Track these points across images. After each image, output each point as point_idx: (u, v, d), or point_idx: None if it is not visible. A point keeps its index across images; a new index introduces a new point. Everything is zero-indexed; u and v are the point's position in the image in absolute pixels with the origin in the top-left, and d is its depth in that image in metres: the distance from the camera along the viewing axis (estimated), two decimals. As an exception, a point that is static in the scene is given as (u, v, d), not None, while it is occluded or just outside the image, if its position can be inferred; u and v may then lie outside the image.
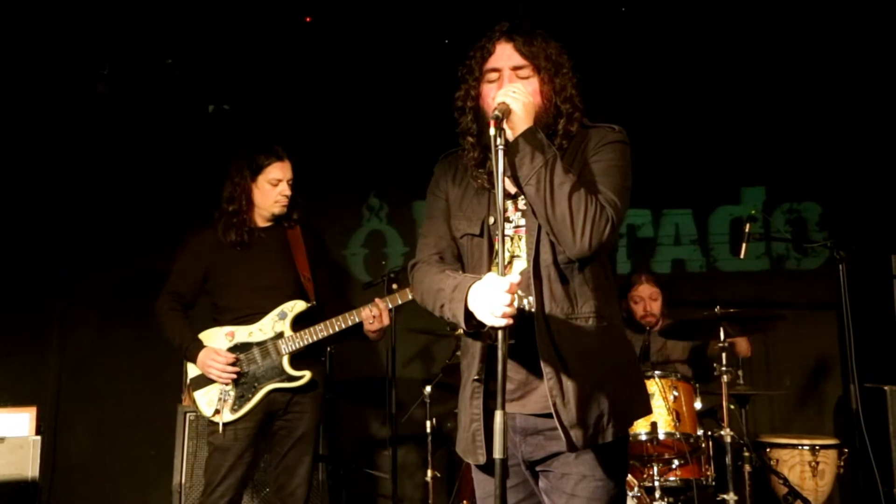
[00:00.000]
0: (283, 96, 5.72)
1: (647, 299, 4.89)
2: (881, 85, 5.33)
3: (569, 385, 2.27)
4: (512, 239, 2.39)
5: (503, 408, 2.10)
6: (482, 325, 2.21)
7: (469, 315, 2.23)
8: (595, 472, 2.30)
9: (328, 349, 5.03)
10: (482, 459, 2.33)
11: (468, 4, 5.00)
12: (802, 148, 5.45)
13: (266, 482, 4.34)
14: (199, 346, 3.71)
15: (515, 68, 2.37)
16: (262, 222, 3.87)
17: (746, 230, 4.53)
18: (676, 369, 4.72)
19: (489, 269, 2.33)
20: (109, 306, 5.66)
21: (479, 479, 2.47)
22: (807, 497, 4.68)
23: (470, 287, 2.23)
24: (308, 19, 5.43)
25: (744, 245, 4.52)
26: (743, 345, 4.85)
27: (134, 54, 5.54)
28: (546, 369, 2.27)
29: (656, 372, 4.23)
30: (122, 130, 5.80)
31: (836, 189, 5.45)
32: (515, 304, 2.22)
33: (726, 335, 4.24)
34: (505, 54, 2.38)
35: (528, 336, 2.29)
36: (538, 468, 2.37)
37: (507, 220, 2.39)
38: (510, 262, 2.38)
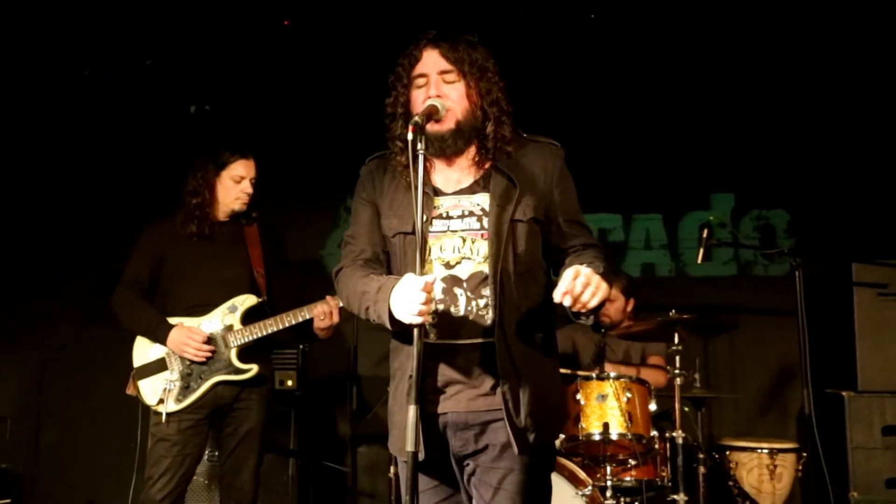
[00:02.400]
0: (263, 98, 5.81)
1: (619, 300, 4.93)
2: (849, 95, 5.41)
3: (520, 391, 2.38)
4: (466, 241, 2.45)
5: (417, 402, 2.21)
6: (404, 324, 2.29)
7: (393, 315, 2.32)
8: (521, 467, 2.39)
9: (301, 347, 5.18)
10: (420, 457, 2.36)
11: (445, 11, 5.10)
12: (772, 156, 5.53)
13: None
14: (169, 325, 3.74)
15: (442, 72, 2.46)
16: (221, 217, 3.92)
17: (703, 236, 4.64)
18: (637, 371, 4.79)
19: (423, 266, 2.36)
20: (87, 303, 5.70)
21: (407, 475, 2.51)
22: (764, 499, 4.76)
23: (393, 288, 2.31)
24: (286, 22, 5.52)
25: (700, 250, 4.63)
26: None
27: (114, 56, 5.63)
28: (502, 374, 2.36)
29: (611, 374, 4.27)
30: (103, 131, 5.88)
31: (804, 197, 5.52)
32: (437, 301, 2.37)
33: (681, 339, 4.33)
34: (431, 60, 2.47)
35: (469, 336, 2.40)
36: (466, 462, 2.45)
37: (440, 217, 2.48)
38: (458, 262, 2.44)
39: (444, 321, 2.40)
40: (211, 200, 3.88)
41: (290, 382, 5.17)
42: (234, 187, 3.88)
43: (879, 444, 4.69)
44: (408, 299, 2.22)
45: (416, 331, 2.23)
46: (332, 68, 5.60)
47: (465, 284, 2.42)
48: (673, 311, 4.37)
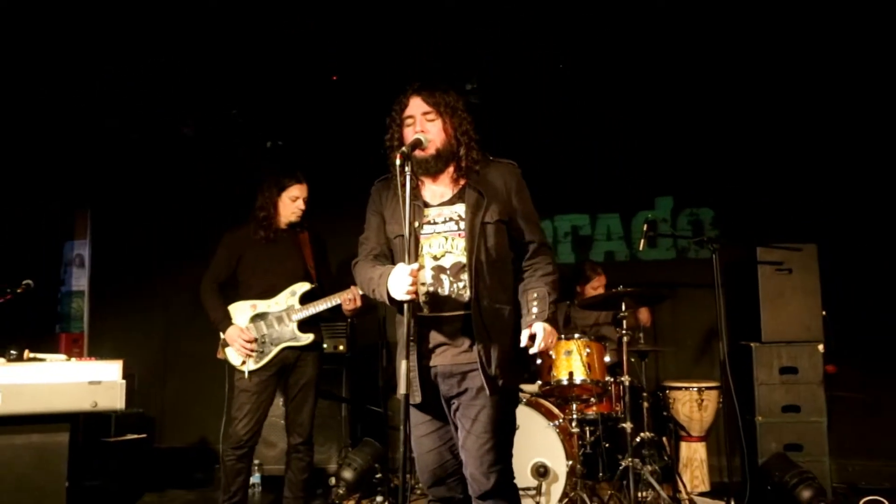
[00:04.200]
0: (318, 135, 5.91)
1: (600, 287, 5.07)
2: (756, 120, 5.47)
3: (491, 350, 2.50)
4: (447, 239, 2.55)
5: (408, 358, 2.37)
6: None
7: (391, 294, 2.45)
8: (492, 404, 2.51)
9: (349, 320, 5.18)
10: (418, 399, 2.54)
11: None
12: (700, 168, 5.58)
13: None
14: (229, 321, 3.86)
15: (424, 113, 2.56)
16: (282, 226, 3.99)
17: (644, 229, 4.78)
18: (601, 333, 4.93)
19: (415, 260, 2.47)
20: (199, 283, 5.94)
21: (411, 412, 2.64)
22: (694, 424, 4.91)
23: (389, 274, 2.45)
24: (335, 77, 5.62)
25: (642, 240, 4.74)
26: (644, 315, 5.04)
27: (210, 107, 5.83)
28: (477, 337, 2.47)
29: (575, 335, 4.37)
30: (205, 162, 6.07)
31: (724, 198, 5.59)
32: (427, 284, 2.50)
33: (627, 307, 4.42)
34: (415, 104, 2.58)
35: (452, 309, 2.51)
36: (452, 401, 2.57)
37: (430, 223, 2.58)
38: (443, 255, 2.54)
39: (433, 299, 2.52)
40: (274, 214, 3.96)
41: (341, 347, 5.30)
42: (291, 205, 3.96)
43: (777, 380, 4.78)
44: (399, 282, 2.36)
45: (406, 305, 2.37)
46: (363, 114, 5.70)
47: (448, 271, 2.52)
48: (621, 286, 4.49)
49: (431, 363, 2.54)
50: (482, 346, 2.47)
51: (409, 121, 2.59)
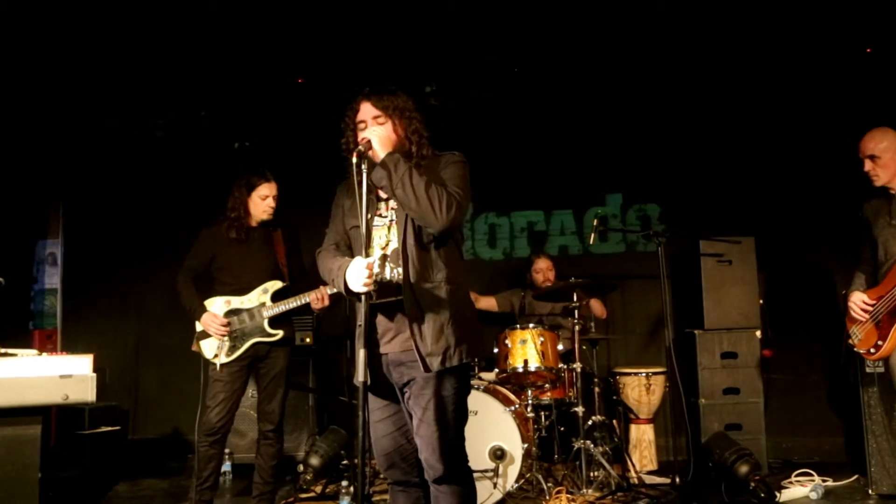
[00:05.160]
0: (288, 136, 5.87)
1: (544, 270, 5.09)
2: (700, 124, 5.59)
3: (424, 328, 2.45)
4: (389, 229, 2.55)
5: (365, 347, 2.34)
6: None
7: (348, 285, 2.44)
8: (442, 391, 2.48)
9: (315, 314, 5.27)
10: (368, 384, 2.48)
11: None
12: (647, 167, 5.68)
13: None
14: (204, 310, 3.83)
15: (374, 117, 2.56)
16: (254, 224, 3.92)
17: (594, 224, 4.84)
18: (555, 322, 5.01)
19: (367, 251, 2.46)
20: (170, 287, 5.87)
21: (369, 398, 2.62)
22: (642, 407, 5.01)
23: (347, 267, 2.44)
24: (300, 80, 5.62)
25: (592, 235, 4.81)
26: (597, 308, 5.09)
27: (180, 109, 5.78)
28: (410, 317, 2.44)
29: (530, 324, 4.43)
30: (176, 161, 6.00)
31: (670, 195, 5.69)
32: (375, 275, 2.43)
33: (578, 298, 4.51)
34: (366, 109, 2.57)
35: (394, 294, 2.47)
36: (404, 389, 2.54)
37: (380, 216, 2.58)
38: (387, 244, 2.54)
39: (380, 287, 2.47)
40: (245, 213, 3.90)
41: (308, 339, 5.28)
42: (261, 203, 3.91)
43: (719, 365, 4.89)
44: (356, 275, 2.38)
45: (363, 296, 2.38)
46: (328, 115, 5.68)
47: (389, 259, 2.51)
48: (573, 278, 4.55)
49: (382, 350, 2.54)
50: (416, 323, 2.46)
51: (361, 125, 2.58)
